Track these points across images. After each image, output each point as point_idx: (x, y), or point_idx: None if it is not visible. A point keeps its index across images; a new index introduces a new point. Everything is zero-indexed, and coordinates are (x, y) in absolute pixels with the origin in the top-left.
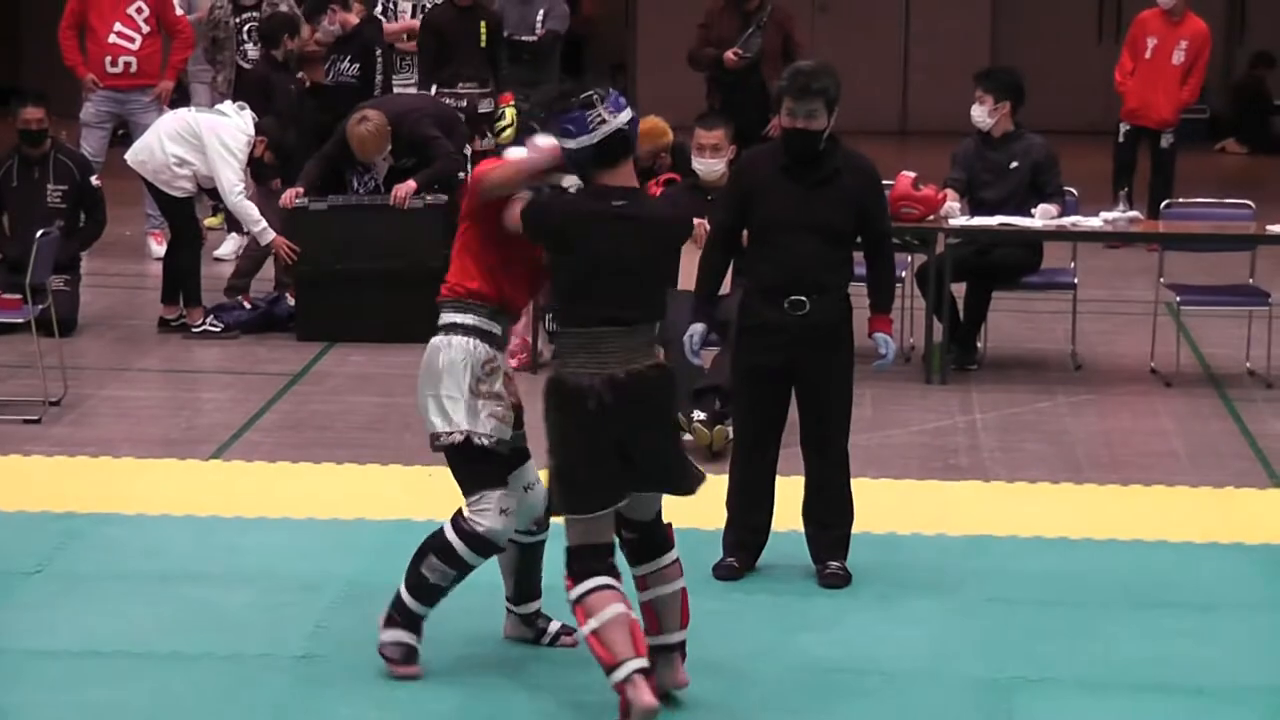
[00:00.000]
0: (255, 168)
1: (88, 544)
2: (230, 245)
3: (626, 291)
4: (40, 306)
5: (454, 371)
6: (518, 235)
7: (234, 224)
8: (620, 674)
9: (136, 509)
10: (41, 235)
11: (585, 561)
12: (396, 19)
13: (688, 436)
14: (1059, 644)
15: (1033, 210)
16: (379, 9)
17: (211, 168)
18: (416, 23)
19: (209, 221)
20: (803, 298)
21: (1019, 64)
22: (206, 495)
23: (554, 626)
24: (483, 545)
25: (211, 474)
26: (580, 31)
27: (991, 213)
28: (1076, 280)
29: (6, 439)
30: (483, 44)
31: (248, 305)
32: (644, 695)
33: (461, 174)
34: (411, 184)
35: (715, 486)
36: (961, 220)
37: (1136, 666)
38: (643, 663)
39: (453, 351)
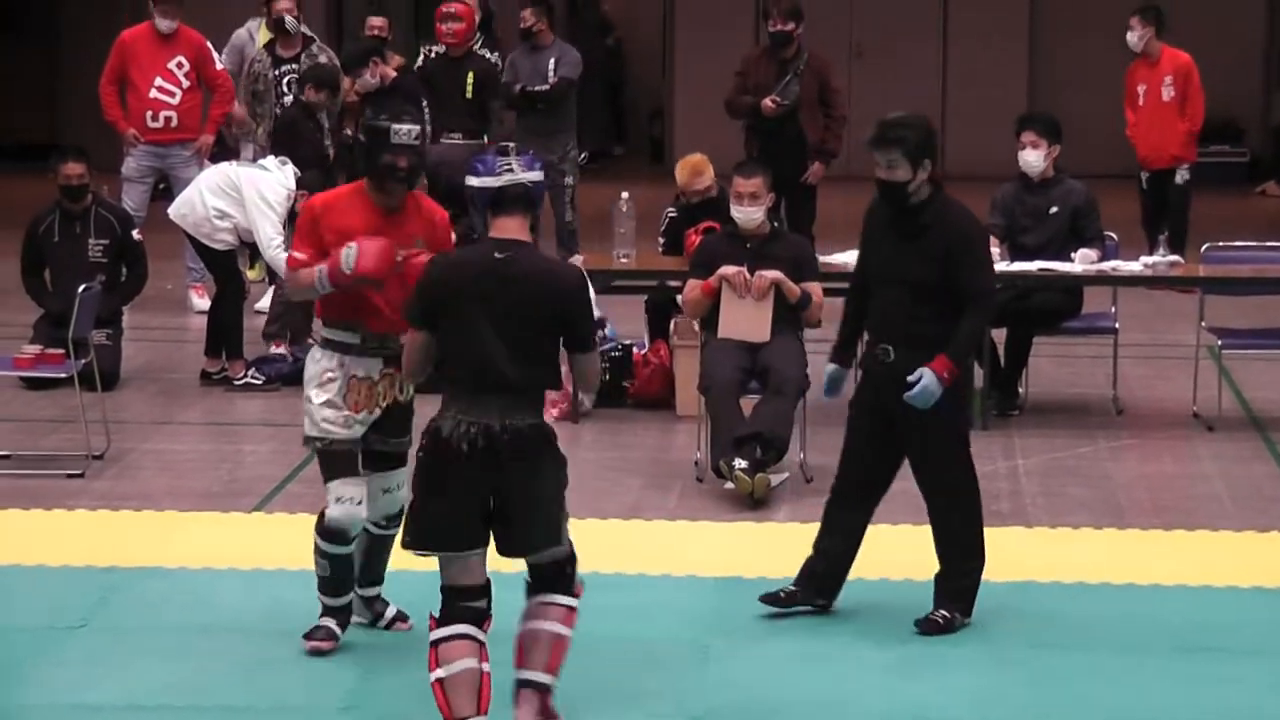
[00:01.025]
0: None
1: (131, 598)
2: (270, 298)
3: (503, 348)
4: (83, 361)
5: (308, 381)
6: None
7: (275, 276)
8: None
9: (179, 562)
10: (83, 290)
11: (451, 604)
12: None
13: (729, 485)
14: (1102, 690)
15: (1072, 255)
16: (420, 60)
17: (250, 221)
18: None
19: (250, 274)
20: (889, 347)
21: (1055, 108)
22: (249, 548)
23: (390, 611)
24: (327, 532)
25: (254, 526)
26: (618, 75)
27: (1031, 258)
28: (1117, 325)
29: (50, 493)
30: (468, 94)
31: (290, 358)
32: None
33: None
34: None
35: (776, 534)
36: (1001, 265)
37: (1182, 712)
38: (536, 678)
39: (309, 363)
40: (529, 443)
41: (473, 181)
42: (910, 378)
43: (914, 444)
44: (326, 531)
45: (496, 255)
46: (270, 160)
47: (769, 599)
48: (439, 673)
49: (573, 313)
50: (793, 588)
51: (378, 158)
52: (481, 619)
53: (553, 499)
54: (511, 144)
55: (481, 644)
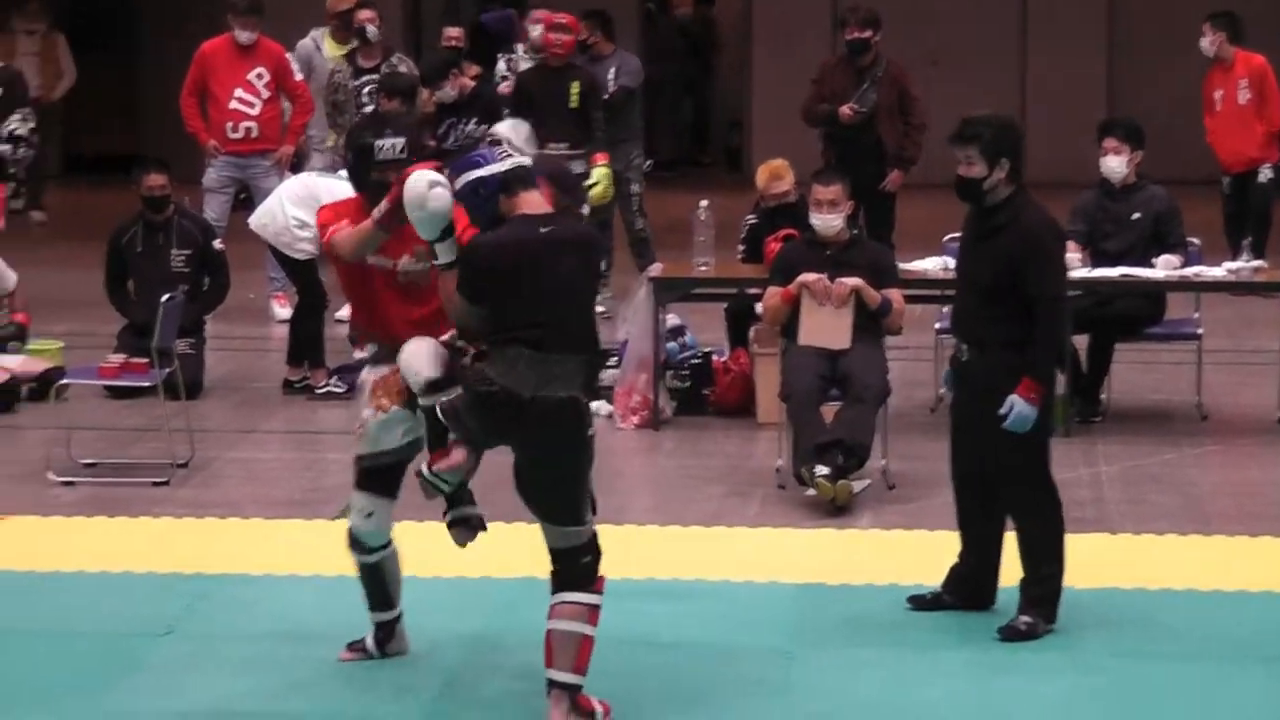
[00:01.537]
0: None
1: (216, 605)
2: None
3: (559, 313)
4: (166, 370)
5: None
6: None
7: None
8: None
9: (264, 569)
10: (166, 300)
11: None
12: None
13: (811, 492)
14: (1188, 699)
15: (1155, 261)
16: (501, 66)
17: None
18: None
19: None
20: (963, 345)
21: (1135, 114)
22: (333, 555)
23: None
24: (351, 541)
25: (337, 534)
26: (698, 78)
27: (1113, 264)
28: (1201, 330)
29: (135, 501)
30: (572, 104)
31: None
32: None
33: None
34: None
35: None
36: (1083, 272)
37: None
38: (569, 679)
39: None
40: (556, 413)
41: (480, 172)
42: (1002, 409)
43: (993, 448)
44: (350, 538)
45: (541, 230)
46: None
47: (915, 600)
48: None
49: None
50: (938, 592)
51: (365, 175)
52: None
53: (575, 478)
54: (494, 136)
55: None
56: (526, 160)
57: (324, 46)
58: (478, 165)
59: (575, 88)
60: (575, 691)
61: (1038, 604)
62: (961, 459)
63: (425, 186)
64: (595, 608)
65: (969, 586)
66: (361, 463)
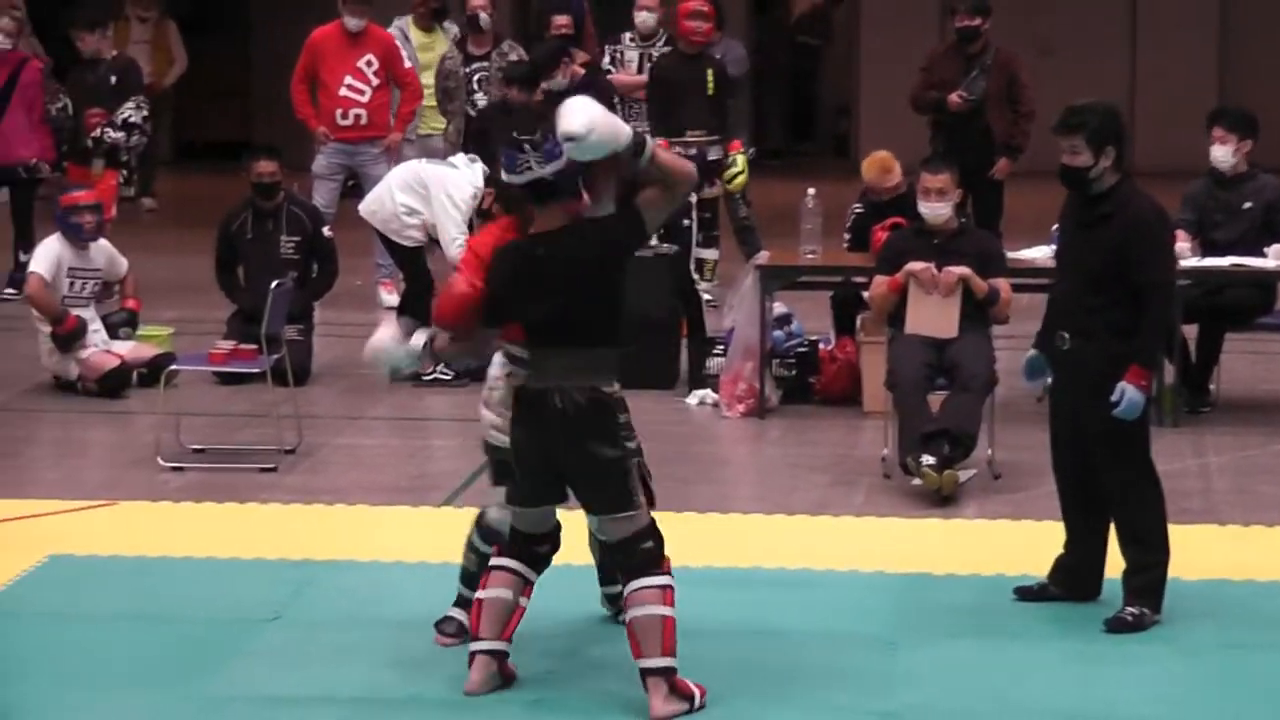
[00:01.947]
0: (484, 220)
1: (323, 591)
2: None
3: (560, 316)
4: (275, 356)
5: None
6: None
7: None
8: (471, 645)
9: (370, 556)
10: (276, 286)
11: (514, 541)
12: (623, 68)
13: (916, 481)
14: None
15: (1265, 250)
16: (606, 60)
17: (435, 219)
18: (644, 78)
19: None
20: (1065, 334)
21: (1247, 103)
22: (439, 541)
23: None
24: (483, 530)
25: (443, 520)
26: (806, 66)
27: (1223, 253)
28: None
29: (244, 487)
30: (710, 91)
31: None
32: (469, 675)
33: (686, 221)
34: None
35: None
36: (1192, 261)
37: None
38: (492, 645)
39: (490, 368)
40: (579, 409)
41: (506, 177)
42: (1113, 397)
43: (1096, 437)
44: (483, 529)
45: (538, 253)
46: (460, 158)
47: (1022, 591)
48: (480, 594)
49: (616, 269)
50: (1044, 583)
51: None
52: (536, 561)
53: (613, 465)
54: (529, 139)
55: (527, 581)
56: (545, 173)
57: (412, 36)
58: (506, 169)
59: (711, 75)
60: (671, 674)
61: (1143, 594)
62: (1062, 448)
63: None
64: (669, 588)
65: (1074, 577)
66: (500, 454)
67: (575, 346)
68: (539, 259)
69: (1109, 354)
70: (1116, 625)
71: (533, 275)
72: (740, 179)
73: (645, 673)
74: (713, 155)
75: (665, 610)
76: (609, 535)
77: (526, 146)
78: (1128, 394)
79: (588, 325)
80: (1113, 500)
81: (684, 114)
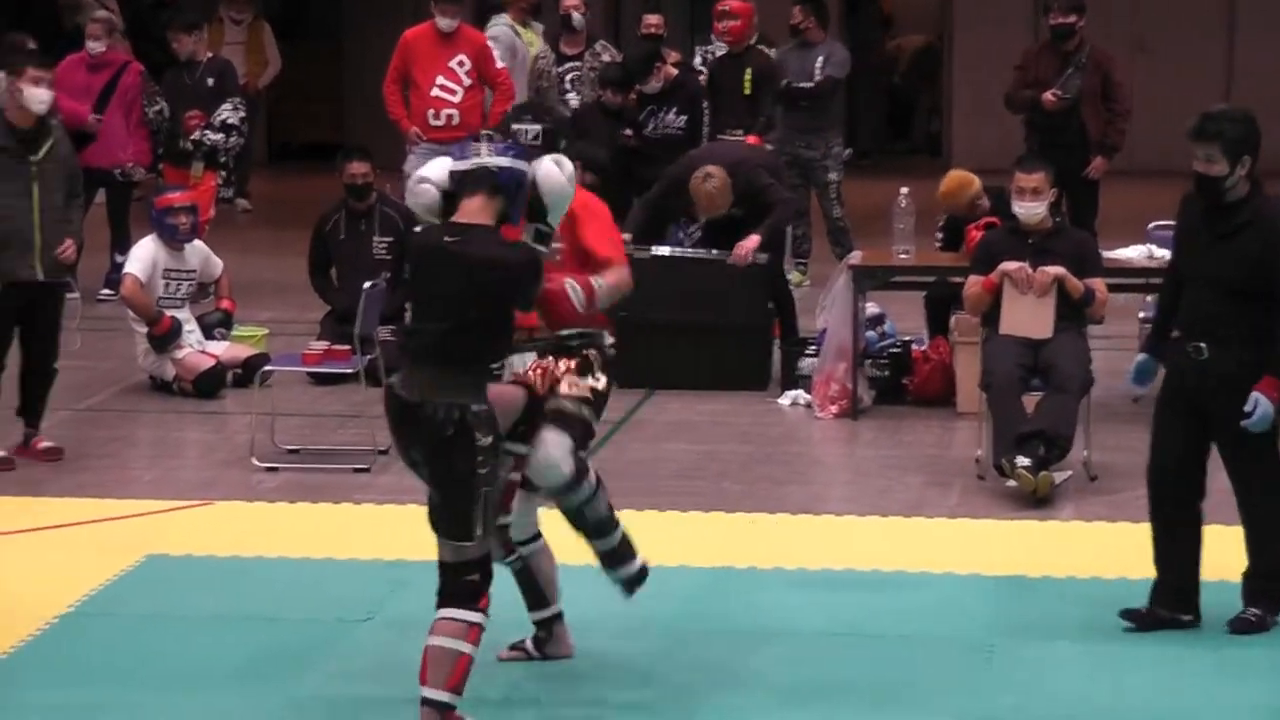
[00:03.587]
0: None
1: (417, 591)
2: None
3: (438, 320)
4: (368, 357)
5: None
6: None
7: None
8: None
9: None
10: (369, 287)
11: (444, 582)
12: None
13: (1011, 483)
14: None
15: None
16: (697, 59)
17: None
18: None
19: None
20: (1201, 345)
21: None
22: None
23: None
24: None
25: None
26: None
27: None
28: None
29: (337, 488)
30: (745, 91)
31: None
32: None
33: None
34: (754, 240)
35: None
36: None
37: None
38: (434, 694)
39: None
40: (441, 426)
41: (451, 165)
42: (1246, 407)
43: (1227, 441)
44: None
45: (446, 238)
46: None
47: (1129, 615)
48: (428, 640)
49: (505, 292)
50: (1150, 607)
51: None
52: (471, 598)
53: (460, 488)
54: (487, 133)
55: (470, 624)
56: (491, 163)
57: (523, 33)
58: (455, 157)
59: (748, 74)
60: (447, 710)
61: (1264, 596)
62: (1166, 455)
63: (561, 173)
64: (476, 626)
65: (1177, 595)
66: None
67: (444, 358)
68: (440, 246)
69: (1243, 362)
70: (1240, 626)
71: (431, 259)
72: None
73: (424, 701)
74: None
75: (465, 648)
76: (442, 555)
77: (483, 138)
78: (1260, 405)
79: (464, 332)
80: (1243, 505)
81: (723, 114)
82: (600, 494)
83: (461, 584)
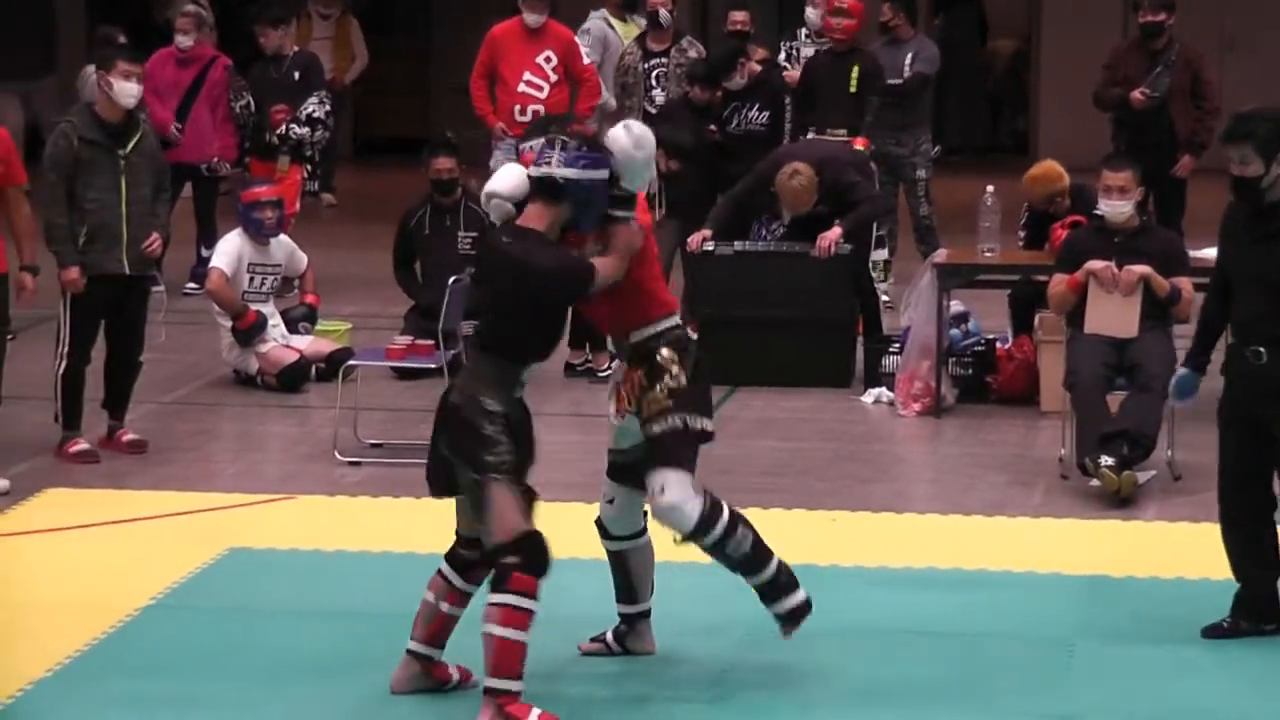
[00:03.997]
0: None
1: None
2: None
3: (484, 316)
4: (452, 352)
5: None
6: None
7: None
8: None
9: None
10: (454, 282)
11: (453, 545)
12: (798, 65)
13: (1095, 482)
14: None
15: None
16: (782, 55)
17: None
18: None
19: None
20: (1260, 348)
21: None
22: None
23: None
24: (597, 524)
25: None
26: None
27: None
28: None
29: (419, 482)
30: (851, 89)
31: None
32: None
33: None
34: (837, 231)
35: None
36: None
37: None
38: (415, 646)
39: None
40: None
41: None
42: None
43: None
44: (596, 522)
45: (503, 239)
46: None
47: (1212, 631)
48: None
49: (532, 296)
50: (1233, 620)
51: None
52: (466, 568)
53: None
54: (561, 137)
55: (454, 588)
56: (558, 174)
57: (619, 27)
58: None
59: (855, 72)
60: (498, 695)
61: None
62: (1233, 467)
63: (628, 136)
64: (518, 610)
65: (1258, 604)
66: (608, 454)
67: (482, 350)
68: (494, 246)
69: None
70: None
71: (486, 257)
72: None
73: (484, 690)
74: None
75: (499, 630)
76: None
77: (558, 143)
78: None
79: (497, 329)
80: None
81: (826, 112)
82: (739, 530)
83: (501, 567)
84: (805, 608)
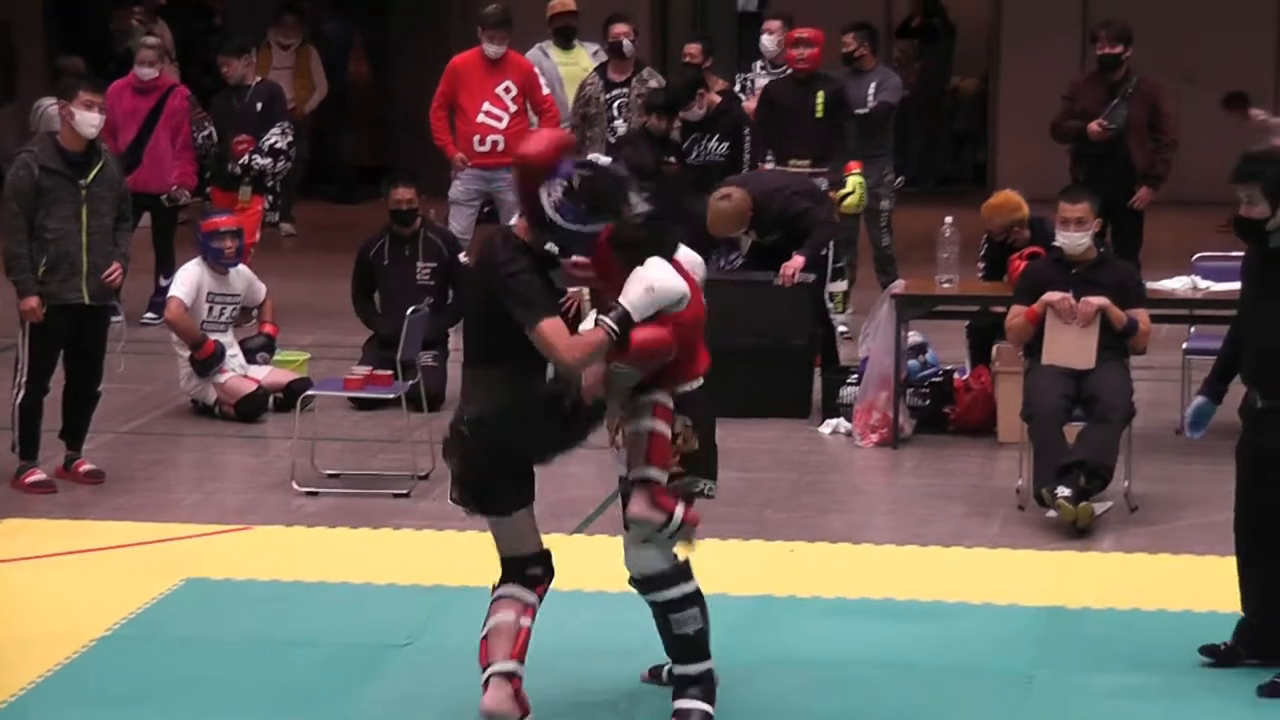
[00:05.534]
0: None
1: (457, 616)
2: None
3: (468, 334)
4: (410, 382)
5: None
6: None
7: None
8: (484, 675)
9: None
10: (412, 312)
11: (506, 569)
12: (753, 96)
13: (1052, 513)
14: None
15: None
16: (738, 87)
17: None
18: None
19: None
20: (1258, 393)
21: None
22: (571, 569)
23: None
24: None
25: (576, 548)
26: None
27: None
28: None
29: (377, 513)
30: (818, 115)
31: None
32: (486, 697)
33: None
34: (799, 260)
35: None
36: None
37: None
38: (503, 665)
39: None
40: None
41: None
42: None
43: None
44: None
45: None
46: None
47: (1208, 651)
48: (484, 628)
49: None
50: (1233, 645)
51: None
52: (531, 584)
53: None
54: (563, 182)
55: (526, 603)
56: (548, 211)
57: (551, 54)
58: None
59: (820, 97)
60: (515, 678)
61: None
62: (1241, 503)
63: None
64: (532, 606)
65: (1258, 637)
66: (620, 484)
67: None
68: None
69: None
70: (1271, 691)
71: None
72: (850, 200)
73: (492, 675)
74: (820, 185)
75: (526, 621)
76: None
77: (560, 186)
78: None
79: (475, 333)
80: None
81: (789, 141)
82: (691, 609)
83: (525, 576)
84: None
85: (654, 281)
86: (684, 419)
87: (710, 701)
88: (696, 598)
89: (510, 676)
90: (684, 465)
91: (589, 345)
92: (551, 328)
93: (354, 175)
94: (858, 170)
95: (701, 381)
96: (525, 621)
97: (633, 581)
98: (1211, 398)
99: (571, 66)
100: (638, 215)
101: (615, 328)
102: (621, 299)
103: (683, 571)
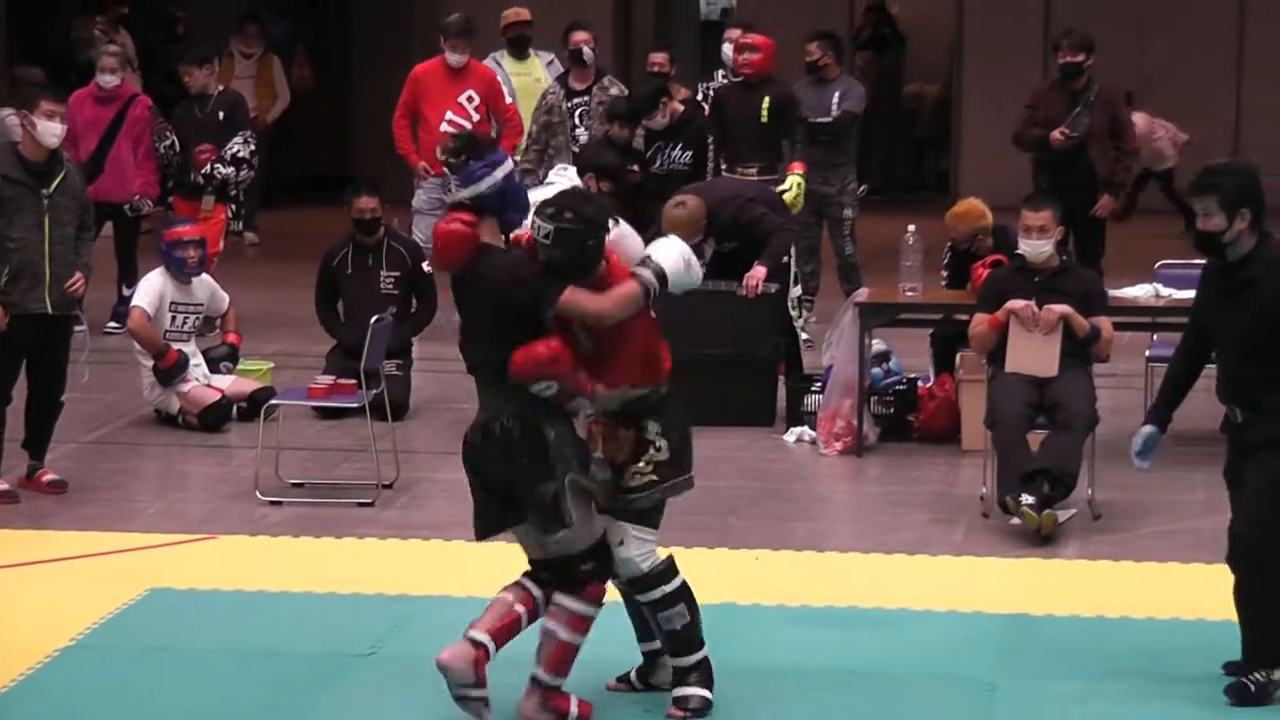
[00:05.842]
0: None
1: (421, 626)
2: None
3: (468, 342)
4: (374, 391)
5: None
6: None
7: None
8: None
9: (468, 591)
10: (375, 321)
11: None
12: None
13: (1016, 520)
14: None
15: None
16: (699, 95)
17: None
18: None
19: None
20: (1235, 408)
21: None
22: None
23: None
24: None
25: None
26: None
27: None
28: None
29: (341, 522)
30: (763, 120)
31: None
32: (446, 651)
33: (785, 258)
34: (761, 270)
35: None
36: None
37: None
38: (475, 635)
39: None
40: (502, 436)
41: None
42: None
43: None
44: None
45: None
46: (554, 172)
47: (1231, 668)
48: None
49: (523, 303)
50: (1237, 662)
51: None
52: (541, 584)
53: (541, 484)
54: (453, 160)
55: (531, 594)
56: (464, 196)
57: (504, 64)
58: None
59: (766, 102)
60: (549, 690)
61: (1257, 660)
62: (1234, 524)
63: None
64: (581, 616)
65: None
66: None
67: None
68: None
69: (1271, 436)
70: (1231, 692)
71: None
72: (787, 197)
73: (531, 678)
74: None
75: (565, 634)
76: (534, 552)
77: (447, 179)
78: None
79: (484, 350)
80: (1248, 566)
81: (737, 146)
82: (679, 606)
83: (576, 574)
84: (704, 706)
85: (690, 259)
86: (657, 426)
87: (708, 686)
88: (680, 594)
89: (478, 645)
90: (656, 474)
91: (623, 297)
92: (575, 290)
93: (307, 182)
94: (799, 171)
95: (665, 388)
96: (519, 609)
97: (621, 584)
98: (1158, 426)
99: (524, 77)
100: (544, 235)
101: (655, 281)
102: (655, 257)
103: (663, 573)
